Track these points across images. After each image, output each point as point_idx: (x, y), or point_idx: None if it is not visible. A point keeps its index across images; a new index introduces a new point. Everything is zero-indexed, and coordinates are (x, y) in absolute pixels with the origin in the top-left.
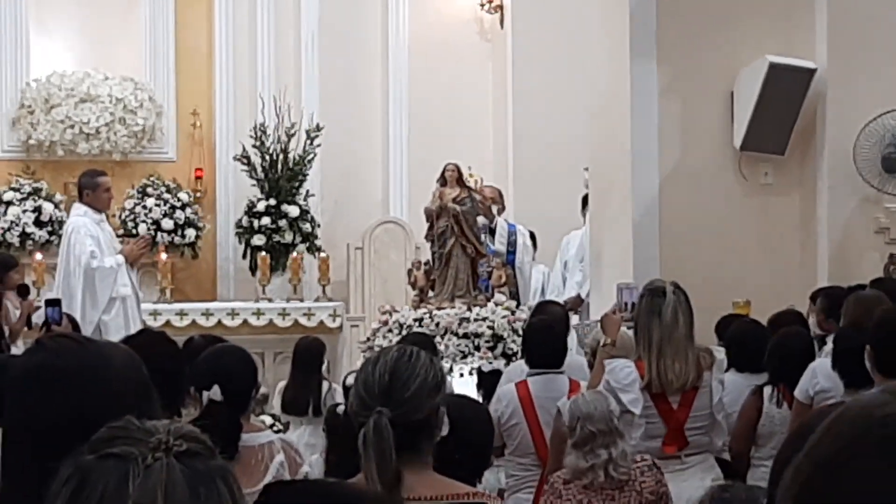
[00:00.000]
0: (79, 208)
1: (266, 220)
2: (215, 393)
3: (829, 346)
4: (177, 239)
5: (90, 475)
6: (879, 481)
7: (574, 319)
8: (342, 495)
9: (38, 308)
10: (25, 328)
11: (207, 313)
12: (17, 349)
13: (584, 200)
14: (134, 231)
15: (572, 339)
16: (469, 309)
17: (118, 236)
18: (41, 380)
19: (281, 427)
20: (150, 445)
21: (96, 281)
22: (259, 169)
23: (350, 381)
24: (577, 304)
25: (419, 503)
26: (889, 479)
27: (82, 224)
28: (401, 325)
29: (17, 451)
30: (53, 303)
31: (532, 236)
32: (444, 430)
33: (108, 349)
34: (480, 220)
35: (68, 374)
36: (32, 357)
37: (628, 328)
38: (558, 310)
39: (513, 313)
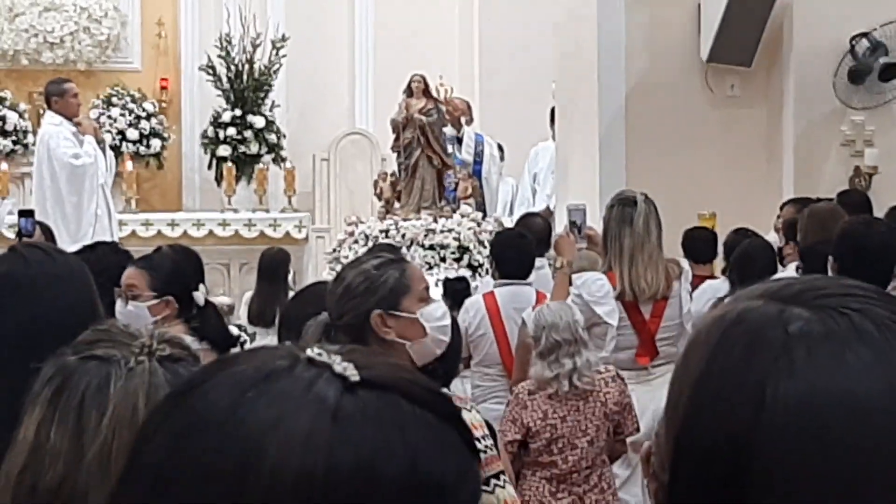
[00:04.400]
0: (53, 117)
1: (231, 131)
2: (203, 293)
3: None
4: (142, 149)
5: (72, 376)
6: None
7: None
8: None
9: None
10: None
11: (173, 224)
12: None
13: (553, 113)
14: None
15: None
16: (435, 220)
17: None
18: (9, 287)
19: (247, 338)
20: (133, 349)
21: (85, 178)
22: (224, 79)
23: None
24: (548, 216)
25: None
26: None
27: (58, 131)
28: (367, 237)
29: None
30: (26, 213)
31: (500, 148)
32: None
33: (73, 262)
34: (448, 130)
35: (36, 282)
36: (2, 265)
37: (579, 249)
38: (540, 222)
39: (479, 225)
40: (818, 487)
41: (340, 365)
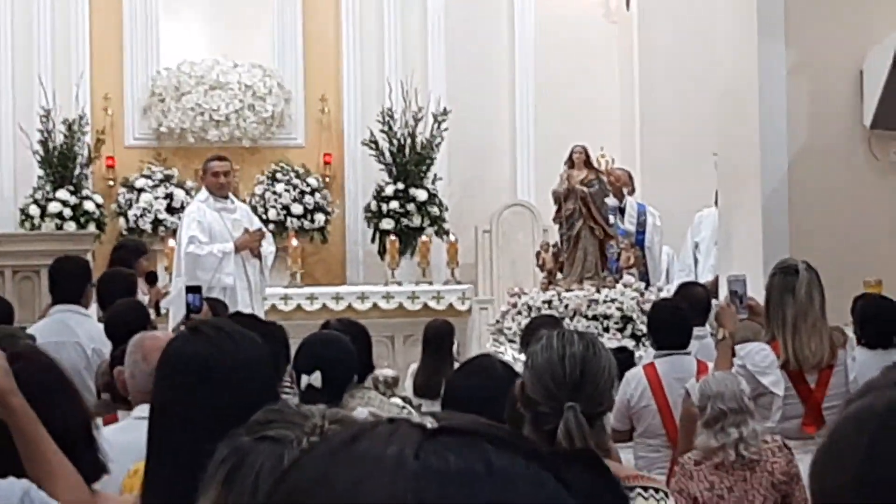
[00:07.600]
0: (202, 193)
1: (394, 204)
2: (316, 379)
3: None
4: (306, 224)
5: (246, 456)
6: None
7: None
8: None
9: (166, 294)
10: (154, 314)
11: (337, 297)
12: None
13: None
14: (264, 216)
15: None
16: (598, 290)
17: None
18: (199, 371)
19: (412, 410)
20: (305, 429)
21: (196, 268)
22: (387, 153)
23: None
24: (714, 286)
25: None
26: None
27: (196, 209)
28: (529, 308)
29: (168, 432)
30: (194, 290)
31: None
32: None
33: (260, 349)
34: (609, 200)
35: (226, 365)
36: (188, 345)
37: (741, 319)
38: (700, 291)
39: (642, 294)
40: None
41: (419, 417)
